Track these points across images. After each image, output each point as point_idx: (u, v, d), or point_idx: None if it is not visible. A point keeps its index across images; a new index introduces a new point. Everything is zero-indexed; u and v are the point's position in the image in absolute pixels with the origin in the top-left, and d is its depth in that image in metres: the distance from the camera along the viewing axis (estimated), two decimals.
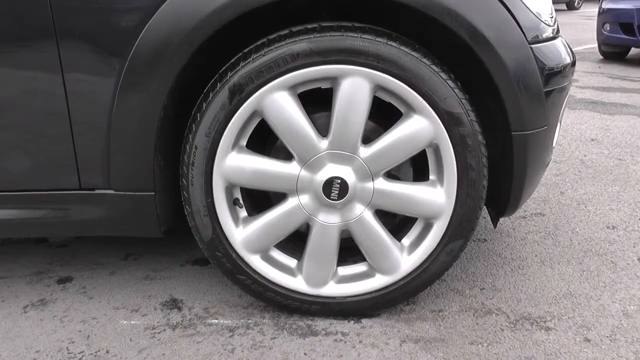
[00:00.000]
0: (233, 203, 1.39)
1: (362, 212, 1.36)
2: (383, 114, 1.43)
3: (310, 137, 1.30)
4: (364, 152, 1.32)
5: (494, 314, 1.49)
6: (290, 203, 1.36)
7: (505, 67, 1.25)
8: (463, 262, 1.78)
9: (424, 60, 1.24)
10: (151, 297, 1.59)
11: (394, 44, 1.23)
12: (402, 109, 1.31)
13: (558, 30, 1.45)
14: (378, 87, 1.27)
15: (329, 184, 1.32)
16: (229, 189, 1.37)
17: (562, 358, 1.32)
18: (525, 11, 1.29)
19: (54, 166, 1.33)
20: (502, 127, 1.33)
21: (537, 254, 1.83)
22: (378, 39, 1.23)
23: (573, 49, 1.56)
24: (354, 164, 1.32)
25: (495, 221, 1.60)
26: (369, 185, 1.34)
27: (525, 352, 1.34)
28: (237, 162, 1.32)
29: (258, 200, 1.53)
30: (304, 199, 1.35)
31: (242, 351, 1.35)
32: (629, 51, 6.00)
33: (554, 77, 1.34)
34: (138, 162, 1.31)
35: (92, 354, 1.35)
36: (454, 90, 1.26)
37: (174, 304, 1.55)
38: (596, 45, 6.20)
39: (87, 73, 1.24)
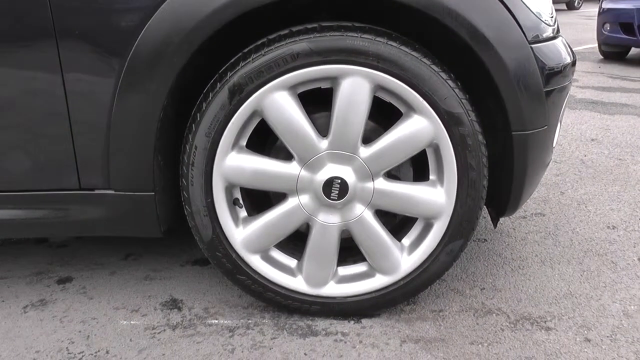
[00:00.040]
0: (233, 203, 1.39)
1: (362, 212, 1.36)
2: (383, 114, 1.43)
3: (310, 137, 1.29)
4: (364, 152, 1.32)
5: (494, 314, 1.49)
6: (290, 203, 1.36)
7: (506, 67, 1.25)
8: (463, 262, 1.77)
9: (424, 60, 1.24)
10: (151, 297, 1.59)
11: (394, 43, 1.23)
12: (402, 109, 1.31)
13: (558, 30, 1.45)
14: (378, 87, 1.27)
15: (329, 184, 1.32)
16: (229, 189, 1.36)
17: (562, 358, 1.32)
18: (526, 11, 1.28)
19: (53, 166, 1.33)
20: (502, 127, 1.33)
21: (537, 254, 1.83)
22: (378, 38, 1.23)
23: (573, 49, 1.56)
24: (354, 164, 1.32)
25: (495, 221, 1.60)
26: (369, 185, 1.34)
27: (525, 352, 1.34)
28: (237, 162, 1.32)
29: (258, 200, 1.53)
30: (304, 199, 1.35)
31: (242, 351, 1.35)
32: (629, 51, 6.01)
33: (554, 76, 1.34)
34: (138, 162, 1.31)
35: (92, 354, 1.34)
36: (454, 90, 1.26)
37: (174, 304, 1.55)
38: (596, 45, 6.20)
39: (87, 73, 1.24)
